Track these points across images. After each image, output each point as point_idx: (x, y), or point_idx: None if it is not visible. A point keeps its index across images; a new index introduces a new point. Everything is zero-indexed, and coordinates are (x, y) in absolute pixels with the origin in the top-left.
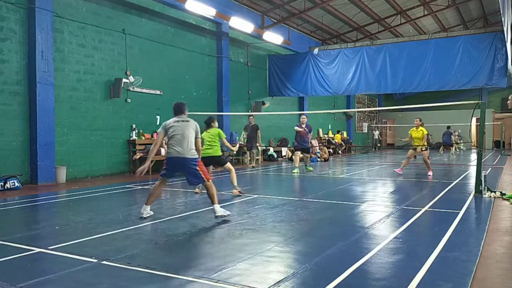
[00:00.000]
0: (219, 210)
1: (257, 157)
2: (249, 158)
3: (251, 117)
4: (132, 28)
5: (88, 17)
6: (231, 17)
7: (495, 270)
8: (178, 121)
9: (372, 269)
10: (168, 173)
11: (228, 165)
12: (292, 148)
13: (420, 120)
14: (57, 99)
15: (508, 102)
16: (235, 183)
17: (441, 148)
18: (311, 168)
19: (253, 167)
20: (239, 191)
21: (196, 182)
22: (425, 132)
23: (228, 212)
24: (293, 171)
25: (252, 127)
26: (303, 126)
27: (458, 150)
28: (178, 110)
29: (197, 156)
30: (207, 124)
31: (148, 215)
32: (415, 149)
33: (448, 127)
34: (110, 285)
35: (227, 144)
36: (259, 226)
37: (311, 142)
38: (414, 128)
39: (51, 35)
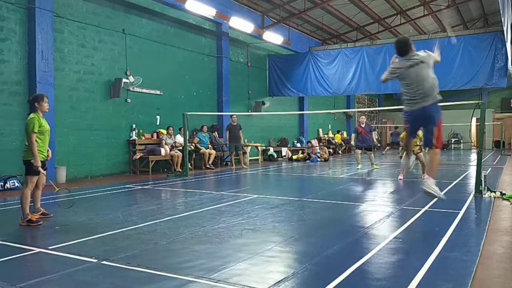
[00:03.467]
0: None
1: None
2: (242, 159)
3: (234, 116)
4: (132, 28)
5: (88, 17)
6: (231, 17)
7: (495, 270)
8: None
9: (372, 269)
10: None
11: (42, 178)
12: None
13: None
14: (57, 99)
15: None
16: (38, 205)
17: (386, 149)
18: (377, 166)
19: (244, 167)
20: (39, 215)
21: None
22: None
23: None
24: (357, 167)
25: (235, 126)
26: (363, 125)
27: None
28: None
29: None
30: (29, 104)
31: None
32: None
33: (396, 128)
34: (110, 285)
35: (32, 146)
36: (259, 226)
37: (378, 140)
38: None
39: (51, 35)
